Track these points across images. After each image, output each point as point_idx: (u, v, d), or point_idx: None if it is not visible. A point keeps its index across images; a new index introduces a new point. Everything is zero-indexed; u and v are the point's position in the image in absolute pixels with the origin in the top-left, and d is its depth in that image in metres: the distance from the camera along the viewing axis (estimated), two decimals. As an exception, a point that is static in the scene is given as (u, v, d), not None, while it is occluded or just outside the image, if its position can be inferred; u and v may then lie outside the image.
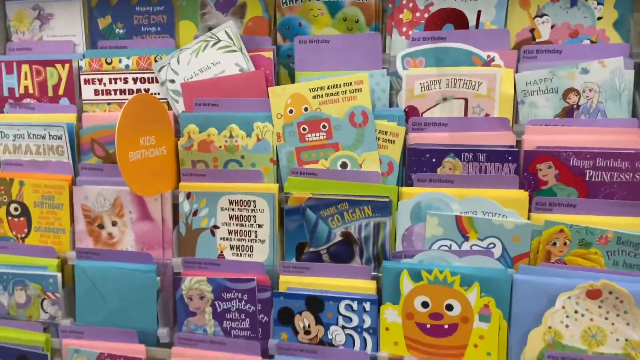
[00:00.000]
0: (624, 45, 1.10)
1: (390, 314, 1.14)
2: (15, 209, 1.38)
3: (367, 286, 1.17)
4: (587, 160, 1.07)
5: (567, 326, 1.04)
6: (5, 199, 1.39)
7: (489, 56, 1.18)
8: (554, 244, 1.07)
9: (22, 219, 1.38)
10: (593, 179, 1.07)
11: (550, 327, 1.05)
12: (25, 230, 1.38)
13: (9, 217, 1.39)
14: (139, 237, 1.33)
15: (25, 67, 1.40)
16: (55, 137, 1.35)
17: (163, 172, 1.27)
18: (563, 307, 1.03)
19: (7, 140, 1.40)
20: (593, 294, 1.01)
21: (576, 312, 1.03)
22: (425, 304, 1.11)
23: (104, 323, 1.31)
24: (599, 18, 1.13)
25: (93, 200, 1.34)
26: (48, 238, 1.37)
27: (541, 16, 1.16)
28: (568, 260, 1.07)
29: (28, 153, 1.39)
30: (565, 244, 1.07)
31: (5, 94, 1.43)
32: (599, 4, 1.12)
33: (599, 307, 1.01)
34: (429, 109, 1.21)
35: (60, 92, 1.39)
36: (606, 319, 1.01)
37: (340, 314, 1.18)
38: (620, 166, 1.05)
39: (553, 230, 1.07)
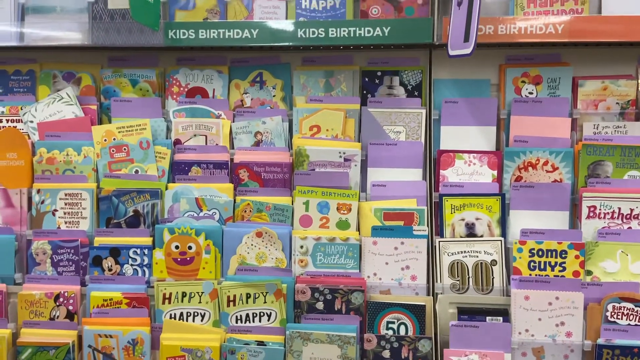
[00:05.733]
0: (283, 111, 1.83)
1: (158, 254, 1.72)
2: None
3: (145, 240, 1.75)
4: (262, 167, 1.76)
5: (248, 253, 1.68)
6: None
7: (219, 114, 1.85)
8: (245, 211, 1.71)
9: None
10: (265, 177, 1.75)
11: (240, 254, 1.68)
12: None
13: None
14: (4, 218, 1.84)
15: None
16: (-52, 154, 1.80)
17: (21, 176, 1.81)
18: (245, 243, 1.68)
19: None
20: (259, 234, 1.67)
21: (252, 244, 1.67)
22: (177, 247, 1.70)
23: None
24: (274, 95, 1.85)
25: (-27, 194, 1.79)
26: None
27: (246, 93, 1.86)
28: (252, 219, 1.72)
29: None
30: (251, 211, 1.72)
31: None
32: (273, 88, 1.83)
33: (262, 240, 1.67)
34: (187, 140, 1.84)
35: (-46, 126, 1.85)
36: (266, 247, 1.67)
37: (130, 257, 1.74)
38: (276, 170, 1.74)
39: (244, 204, 1.72)
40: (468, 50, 1.45)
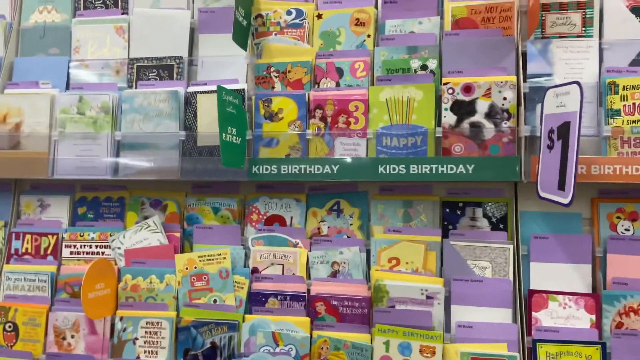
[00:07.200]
0: (361, 241, 1.79)
1: (234, 391, 1.67)
2: (9, 327, 1.88)
3: (222, 374, 1.71)
4: (339, 301, 1.71)
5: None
6: (3, 319, 1.87)
7: (297, 242, 1.84)
8: (322, 348, 1.65)
9: (12, 333, 1.86)
10: (342, 312, 1.69)
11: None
12: (14, 340, 1.85)
13: (4, 332, 1.86)
14: (87, 345, 1.86)
15: (27, 236, 1.96)
16: (41, 280, 1.88)
17: (107, 304, 1.83)
18: (324, 385, 1.60)
19: (9, 281, 1.94)
20: (338, 377, 1.60)
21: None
22: (253, 385, 1.65)
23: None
24: (351, 224, 1.83)
25: (61, 321, 1.84)
26: (28, 346, 1.84)
27: (323, 221, 1.86)
28: (330, 357, 1.65)
29: (22, 290, 1.90)
30: (328, 348, 1.65)
31: (12, 252, 1.96)
32: (350, 217, 1.82)
33: (341, 384, 1.59)
34: (264, 269, 1.84)
35: (49, 252, 1.95)
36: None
37: (206, 392, 1.70)
38: (354, 304, 1.68)
39: (321, 340, 1.66)
40: (566, 201, 1.38)
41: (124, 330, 1.90)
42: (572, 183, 1.38)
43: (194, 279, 1.92)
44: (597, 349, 1.62)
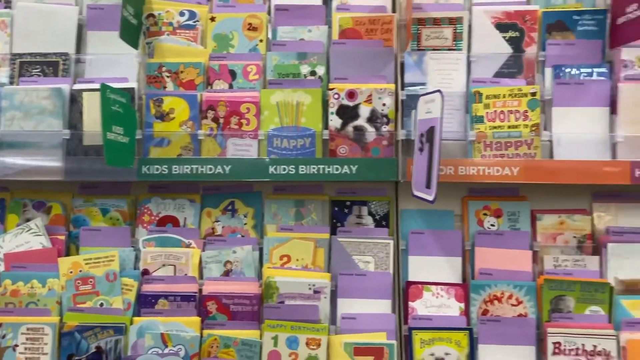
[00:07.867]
0: (254, 239, 1.85)
1: (120, 395, 1.64)
2: None
3: (108, 379, 1.67)
4: (231, 299, 1.74)
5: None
6: None
7: (190, 242, 1.85)
8: (212, 346, 1.67)
9: None
10: (233, 310, 1.72)
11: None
12: None
13: None
14: (-42, 355, 1.71)
15: None
16: None
17: (-19, 311, 1.70)
18: (212, 382, 1.62)
19: None
20: (226, 373, 1.62)
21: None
22: (140, 387, 1.63)
23: None
24: (245, 223, 1.87)
25: None
26: None
27: (217, 221, 1.88)
28: (219, 355, 1.68)
29: None
30: (217, 346, 1.68)
31: None
32: (244, 216, 1.86)
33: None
34: (155, 270, 1.83)
35: None
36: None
37: (90, 398, 1.65)
38: (245, 302, 1.72)
39: (211, 339, 1.69)
40: (430, 198, 1.52)
41: (4, 337, 1.78)
42: (435, 182, 1.51)
43: (79, 283, 1.85)
44: (465, 334, 1.77)
